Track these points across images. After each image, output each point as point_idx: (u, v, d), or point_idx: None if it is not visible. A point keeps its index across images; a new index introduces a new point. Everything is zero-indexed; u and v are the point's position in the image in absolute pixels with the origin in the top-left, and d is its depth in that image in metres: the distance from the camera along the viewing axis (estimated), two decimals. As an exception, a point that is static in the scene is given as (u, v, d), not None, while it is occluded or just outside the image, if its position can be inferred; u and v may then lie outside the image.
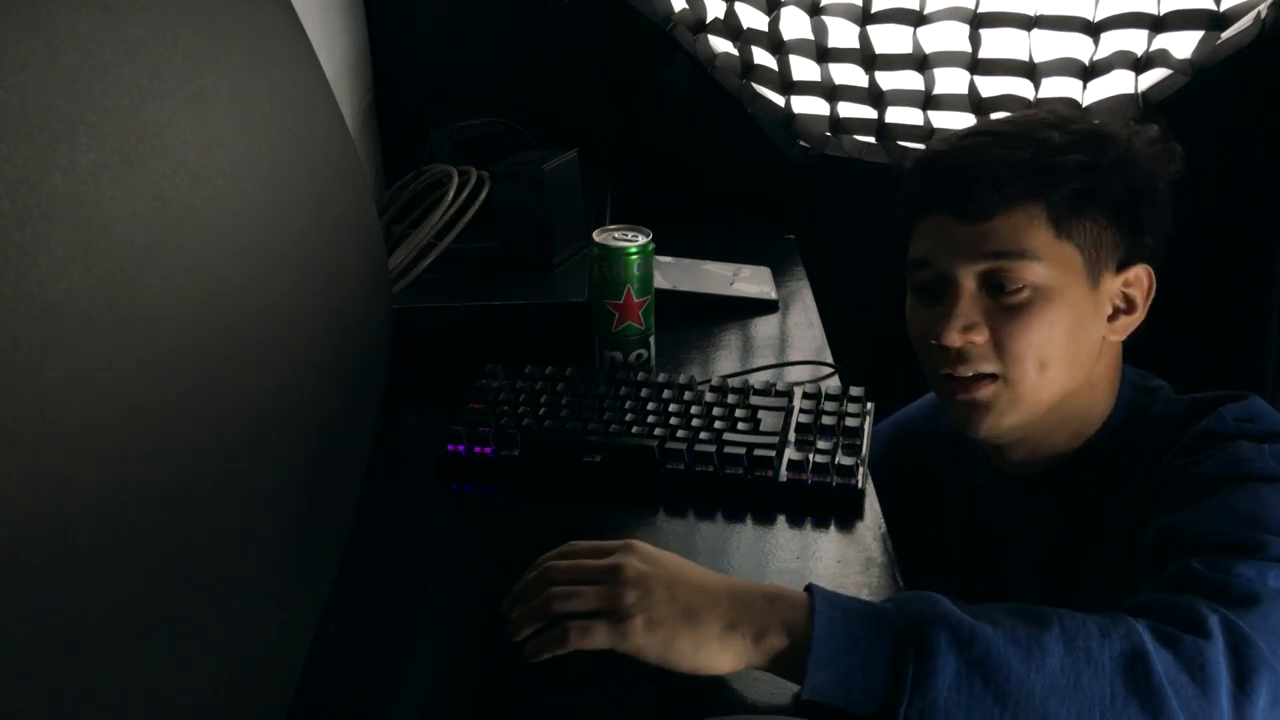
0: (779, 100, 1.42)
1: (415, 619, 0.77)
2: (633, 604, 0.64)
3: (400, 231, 1.17)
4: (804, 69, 1.37)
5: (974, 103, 1.28)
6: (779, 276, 1.27)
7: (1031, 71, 1.24)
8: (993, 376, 0.86)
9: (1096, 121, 0.89)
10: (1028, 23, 1.21)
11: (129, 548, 0.46)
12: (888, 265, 0.98)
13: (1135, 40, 1.20)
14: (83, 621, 0.42)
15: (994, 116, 1.24)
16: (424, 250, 1.12)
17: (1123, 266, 0.87)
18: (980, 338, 0.85)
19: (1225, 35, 1.15)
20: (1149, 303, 0.89)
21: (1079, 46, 1.22)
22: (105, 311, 0.46)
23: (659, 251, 1.05)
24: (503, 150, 1.23)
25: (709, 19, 1.39)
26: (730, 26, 1.37)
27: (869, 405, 0.94)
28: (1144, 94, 1.22)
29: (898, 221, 0.93)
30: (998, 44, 1.25)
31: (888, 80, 1.33)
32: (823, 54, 1.34)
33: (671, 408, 0.92)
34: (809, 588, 0.66)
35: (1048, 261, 0.84)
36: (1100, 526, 0.88)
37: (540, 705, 0.68)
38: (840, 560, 0.79)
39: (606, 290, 1.00)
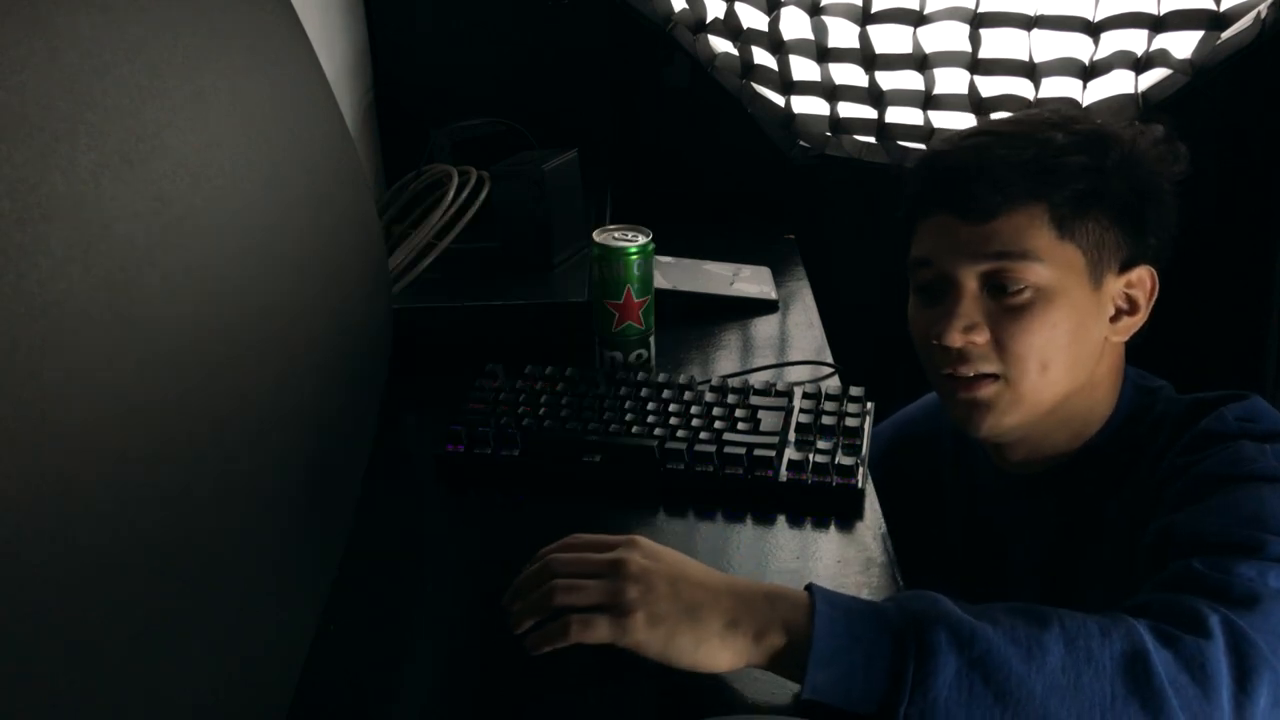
0: (779, 100, 1.42)
1: (415, 619, 0.77)
2: (635, 599, 0.64)
3: (400, 231, 1.17)
4: (804, 69, 1.37)
5: (974, 103, 1.28)
6: (779, 276, 1.27)
7: (1031, 71, 1.24)
8: (994, 376, 0.86)
9: (1100, 122, 0.89)
10: (1028, 23, 1.21)
11: (129, 548, 0.46)
12: (888, 265, 0.98)
13: (1135, 40, 1.20)
14: (83, 621, 0.42)
15: (996, 116, 1.24)
16: (424, 250, 1.12)
17: (1126, 267, 0.87)
18: (981, 338, 0.85)
19: (1225, 35, 1.15)
20: (1152, 304, 0.89)
21: (1079, 46, 1.22)
22: (105, 311, 0.46)
23: (659, 251, 1.05)
24: (503, 150, 1.23)
25: (709, 19, 1.39)
26: (730, 26, 1.37)
27: (869, 405, 0.94)
28: (1144, 94, 1.22)
29: (898, 221, 0.93)
30: (998, 44, 1.25)
31: (888, 80, 1.33)
32: (823, 54, 1.34)
33: (671, 408, 0.92)
34: (809, 587, 0.66)
35: (1050, 262, 0.84)
36: (1100, 527, 0.88)
37: (540, 705, 0.68)
38: (840, 560, 0.79)
39: (606, 290, 1.00)
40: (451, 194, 1.16)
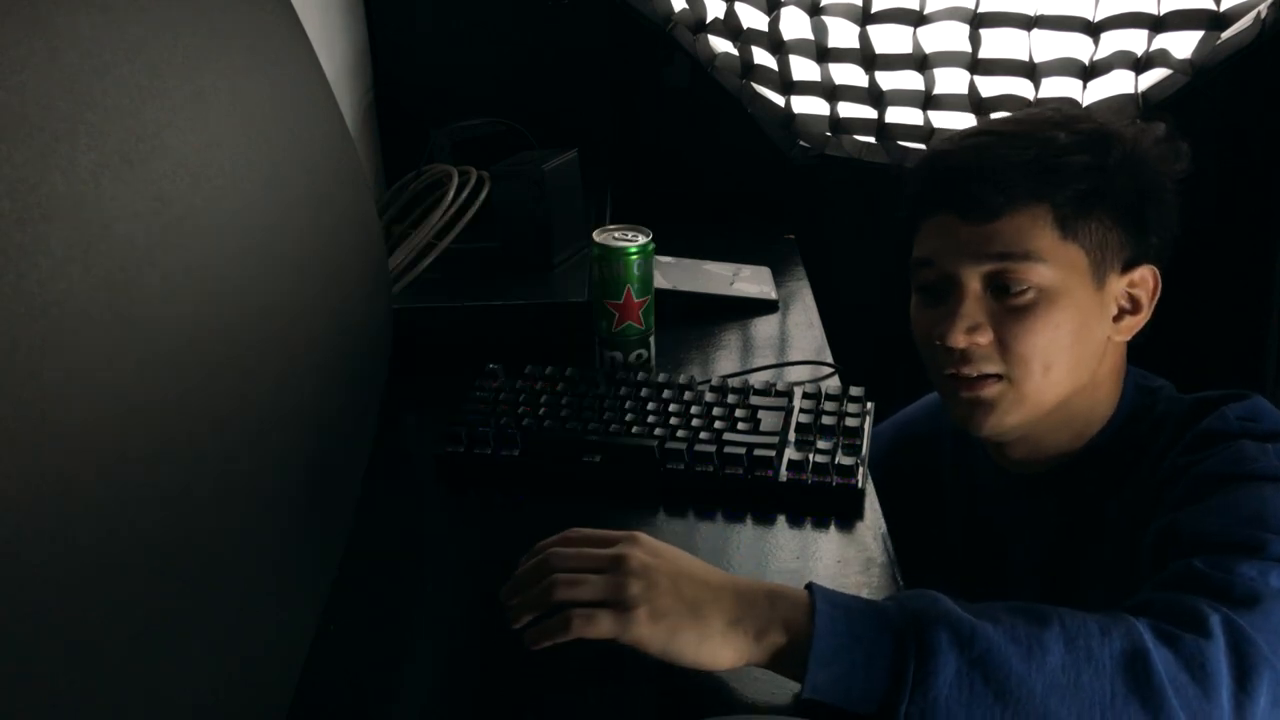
0: (779, 100, 1.42)
1: (415, 619, 0.77)
2: (637, 595, 0.64)
3: (400, 231, 1.17)
4: (804, 69, 1.37)
5: (974, 103, 1.28)
6: (779, 276, 1.27)
7: (1031, 71, 1.24)
8: (997, 376, 0.86)
9: (1102, 121, 0.89)
10: (1028, 23, 1.21)
11: (129, 548, 0.46)
12: (888, 265, 0.98)
13: (1135, 40, 1.20)
14: (83, 621, 0.42)
15: (997, 116, 1.24)
16: (424, 250, 1.12)
17: (1128, 267, 0.87)
18: (984, 339, 0.85)
19: (1225, 35, 1.15)
20: (1154, 303, 0.89)
21: (1079, 46, 1.22)
22: (105, 311, 0.46)
23: (659, 251, 1.05)
24: (503, 150, 1.23)
25: (709, 19, 1.39)
26: (730, 26, 1.37)
27: (869, 405, 0.94)
28: (1144, 94, 1.22)
29: (898, 221, 0.93)
30: (998, 44, 1.25)
31: (888, 80, 1.33)
32: (823, 54, 1.34)
33: (671, 408, 0.92)
34: (810, 586, 0.66)
35: (1053, 263, 0.83)
36: (1101, 526, 0.88)
37: (540, 705, 0.68)
38: (840, 560, 0.79)
39: (606, 290, 1.00)
40: (451, 194, 1.16)
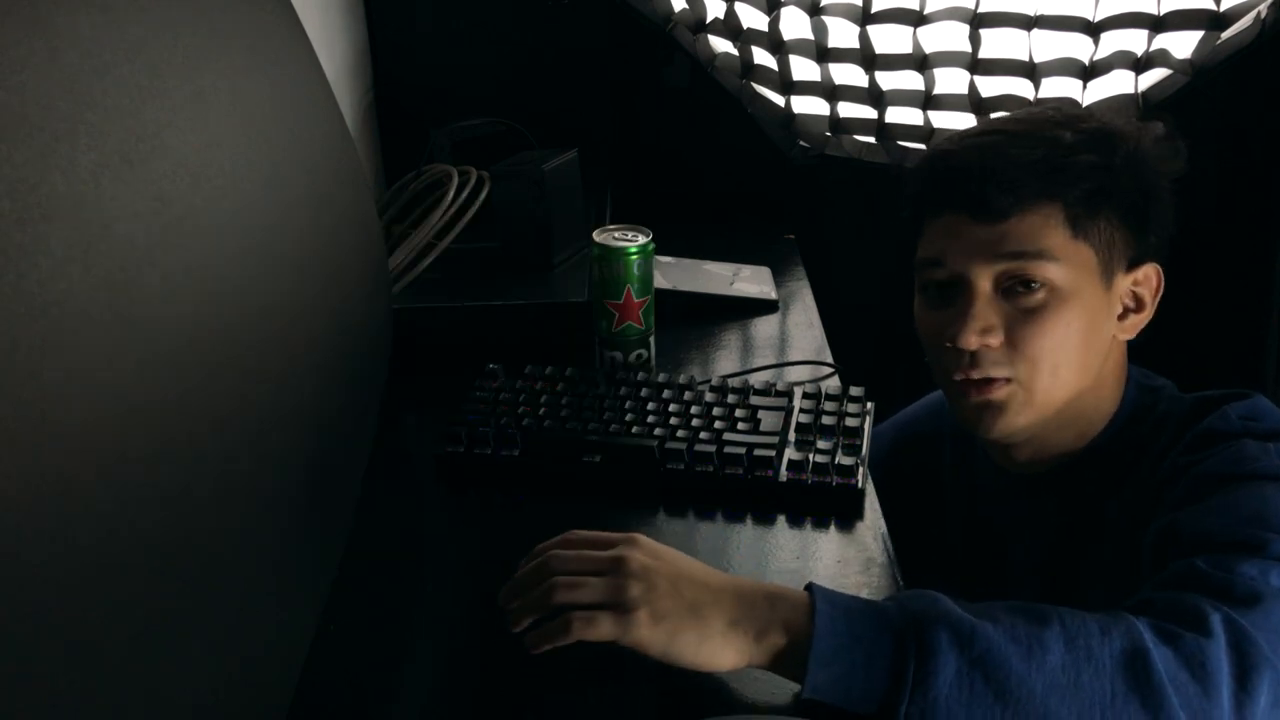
0: (779, 100, 1.42)
1: (415, 619, 0.77)
2: (637, 596, 0.64)
3: (400, 231, 1.17)
4: (804, 69, 1.37)
5: (974, 103, 1.28)
6: (779, 276, 1.27)
7: (1031, 71, 1.24)
8: (1006, 379, 0.85)
9: (1103, 120, 0.89)
10: (1028, 23, 1.21)
11: (129, 548, 0.46)
12: (888, 265, 0.98)
13: (1135, 40, 1.20)
14: (83, 621, 0.42)
15: (996, 116, 1.24)
16: (424, 250, 1.12)
17: (1132, 266, 0.87)
18: (996, 340, 0.84)
19: (1225, 35, 1.15)
20: (1157, 301, 0.89)
21: (1079, 46, 1.22)
22: (105, 311, 0.46)
23: (659, 251, 1.05)
24: (503, 150, 1.23)
25: (709, 19, 1.39)
26: (730, 26, 1.37)
27: (869, 405, 0.94)
28: (1144, 94, 1.22)
29: (898, 221, 0.93)
30: (998, 44, 1.25)
31: (888, 80, 1.33)
32: (823, 54, 1.34)
33: (671, 408, 0.92)
34: (809, 586, 0.66)
35: (1065, 262, 0.83)
36: (1101, 526, 0.88)
37: (540, 705, 0.68)
38: (840, 560, 0.79)
39: (606, 290, 1.00)
40: (451, 194, 1.16)
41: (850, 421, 0.90)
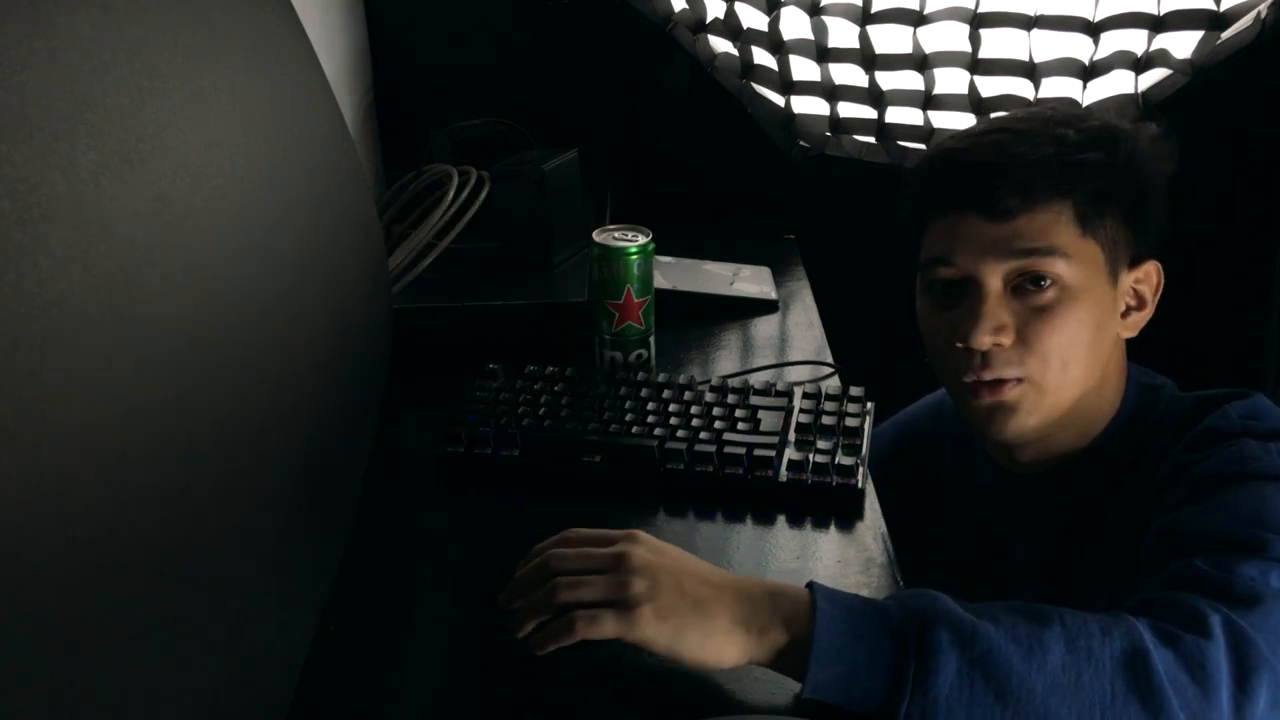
0: (779, 100, 1.42)
1: (415, 619, 0.77)
2: (641, 593, 0.63)
3: (400, 231, 1.17)
4: (804, 69, 1.37)
5: (974, 103, 1.28)
6: (779, 276, 1.27)
7: (1031, 71, 1.24)
8: (1017, 379, 0.85)
9: (1103, 119, 0.89)
10: (1028, 23, 1.21)
11: (129, 548, 0.46)
12: (888, 265, 0.98)
13: (1135, 40, 1.20)
14: (83, 621, 0.42)
15: (997, 115, 1.24)
16: (424, 250, 1.12)
17: (1134, 263, 0.87)
18: (1008, 339, 0.84)
19: (1225, 35, 1.15)
20: (1158, 297, 0.89)
21: (1079, 46, 1.22)
22: (105, 311, 0.46)
23: (659, 251, 1.05)
24: (503, 150, 1.23)
25: (709, 19, 1.39)
26: (730, 26, 1.37)
27: (869, 405, 0.94)
28: (1144, 94, 1.22)
29: (898, 221, 0.92)
30: (998, 44, 1.25)
31: (888, 80, 1.33)
32: (823, 54, 1.34)
33: (671, 408, 0.92)
34: (810, 585, 0.65)
35: (1074, 259, 0.83)
36: (1101, 526, 0.88)
37: (540, 705, 0.68)
38: (840, 560, 0.79)
39: (606, 290, 1.00)
40: (451, 194, 1.16)
41: (850, 421, 0.90)
